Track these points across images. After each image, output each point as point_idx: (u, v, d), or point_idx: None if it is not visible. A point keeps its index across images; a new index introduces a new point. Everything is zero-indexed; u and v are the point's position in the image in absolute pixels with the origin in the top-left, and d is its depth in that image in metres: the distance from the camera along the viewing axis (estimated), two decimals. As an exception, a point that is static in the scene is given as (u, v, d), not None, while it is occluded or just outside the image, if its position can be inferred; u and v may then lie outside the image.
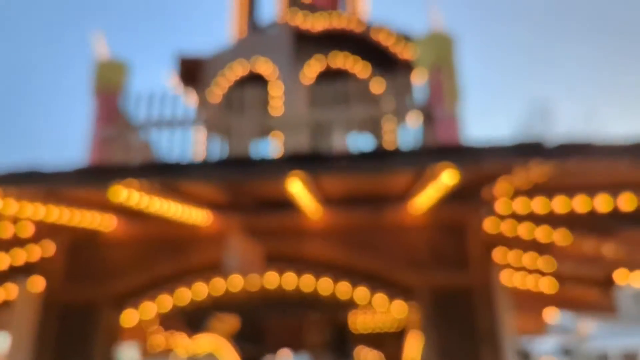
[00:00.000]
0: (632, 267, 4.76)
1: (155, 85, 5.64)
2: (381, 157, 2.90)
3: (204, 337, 6.75)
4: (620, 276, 4.94)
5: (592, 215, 3.68)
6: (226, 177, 3.12)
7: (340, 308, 4.53)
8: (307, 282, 4.21)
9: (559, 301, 5.82)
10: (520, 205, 3.75)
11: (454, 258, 4.09)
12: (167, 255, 4.36)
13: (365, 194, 4.04)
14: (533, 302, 5.83)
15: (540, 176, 3.26)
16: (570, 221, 3.90)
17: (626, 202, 3.49)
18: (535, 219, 3.95)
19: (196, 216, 4.18)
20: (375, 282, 4.14)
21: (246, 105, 5.34)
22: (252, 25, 7.93)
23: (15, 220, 3.91)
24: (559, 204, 3.62)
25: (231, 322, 6.70)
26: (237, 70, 6.65)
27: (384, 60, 6.67)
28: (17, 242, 4.27)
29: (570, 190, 3.56)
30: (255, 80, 6.58)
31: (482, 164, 2.84)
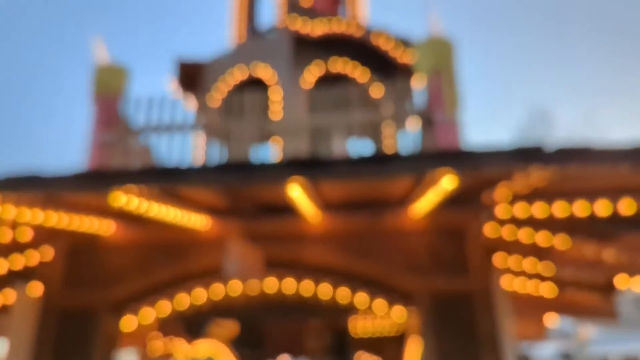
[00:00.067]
0: (633, 272, 4.76)
1: (155, 90, 5.64)
2: (381, 162, 2.90)
3: (203, 343, 6.73)
4: (621, 281, 4.93)
5: (593, 220, 3.67)
6: (225, 182, 3.11)
7: (340, 313, 4.51)
8: (307, 288, 4.19)
9: (559, 306, 5.81)
10: (520, 210, 3.74)
11: (454, 263, 4.08)
12: (166, 260, 4.35)
13: (364, 198, 4.03)
14: (533, 308, 5.82)
15: (540, 181, 3.26)
16: (570, 226, 3.89)
17: (626, 207, 3.48)
18: (535, 223, 3.94)
19: (195, 221, 4.17)
20: (375, 287, 4.12)
21: (245, 110, 5.35)
22: (252, 30, 7.95)
23: (13, 225, 3.90)
24: (559, 209, 3.62)
25: (230, 327, 6.68)
26: (237, 75, 6.66)
27: (383, 65, 6.68)
28: (15, 247, 4.26)
29: (570, 195, 3.56)
30: (255, 84, 6.59)
31: (482, 169, 2.83)
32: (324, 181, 3.24)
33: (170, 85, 6.86)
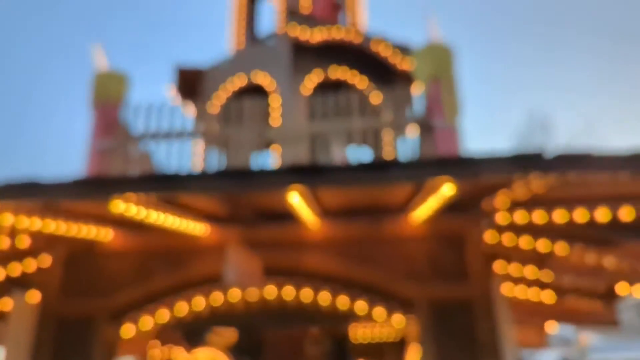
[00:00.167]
0: (633, 279, 4.74)
1: (155, 98, 5.65)
2: (380, 169, 2.89)
3: (202, 351, 6.70)
4: (621, 288, 4.91)
5: (593, 227, 3.66)
6: (225, 189, 3.10)
7: (339, 321, 4.49)
8: (306, 295, 4.17)
9: (560, 314, 5.78)
10: (520, 217, 3.73)
11: (454, 270, 4.06)
12: (165, 267, 4.33)
13: (364, 205, 4.02)
14: (534, 315, 5.79)
15: (540, 188, 3.25)
16: (570, 233, 3.88)
17: (626, 214, 3.47)
18: (536, 231, 3.93)
19: (195, 228, 4.15)
20: (375, 294, 4.10)
21: (245, 117, 5.34)
22: (251, 36, 7.97)
23: (11, 233, 3.88)
24: (559, 216, 3.61)
25: (229, 335, 6.65)
26: (236, 82, 6.67)
27: (383, 72, 6.69)
28: (12, 254, 4.24)
29: (570, 203, 3.55)
30: (255, 91, 6.60)
31: (481, 176, 2.83)
32: (324, 188, 3.23)
33: (170, 92, 6.86)
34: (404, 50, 6.45)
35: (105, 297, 4.26)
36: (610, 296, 5.16)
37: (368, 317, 4.13)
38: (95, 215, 4.00)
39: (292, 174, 2.92)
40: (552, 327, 6.53)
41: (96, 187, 3.05)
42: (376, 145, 5.40)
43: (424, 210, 3.80)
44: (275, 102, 6.23)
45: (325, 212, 4.01)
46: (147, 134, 5.27)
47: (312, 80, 6.50)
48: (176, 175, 3.02)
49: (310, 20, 6.59)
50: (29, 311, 4.27)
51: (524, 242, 4.01)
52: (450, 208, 3.75)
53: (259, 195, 3.55)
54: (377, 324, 5.39)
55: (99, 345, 4.13)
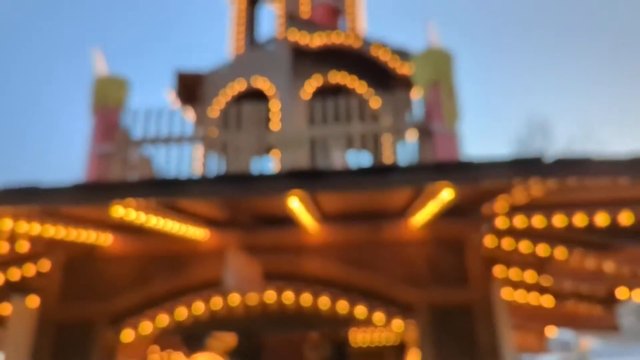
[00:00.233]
0: (633, 284, 4.73)
1: (156, 103, 5.66)
2: (380, 174, 2.89)
3: (201, 356, 6.67)
4: (622, 293, 4.91)
5: (592, 232, 3.66)
6: (224, 194, 3.10)
7: (339, 326, 4.48)
8: (306, 301, 4.16)
9: (560, 318, 5.77)
10: (519, 222, 3.73)
11: (454, 274, 4.06)
12: (164, 272, 4.32)
13: (363, 210, 4.02)
14: (534, 320, 5.78)
15: (540, 192, 3.25)
16: (570, 238, 3.88)
17: (626, 219, 3.47)
18: (535, 235, 3.93)
19: (194, 233, 4.15)
20: (374, 299, 4.10)
21: (244, 121, 5.35)
22: (251, 41, 7.98)
23: (10, 238, 3.88)
24: (559, 221, 3.61)
25: (228, 340, 6.63)
26: (236, 86, 6.68)
27: (382, 77, 6.70)
28: (12, 259, 4.23)
29: (569, 207, 3.55)
30: (255, 95, 6.60)
31: (481, 181, 2.83)
32: (323, 193, 3.23)
33: (170, 97, 6.87)
34: (403, 55, 6.46)
35: (104, 301, 4.26)
36: (610, 301, 5.16)
37: (368, 322, 4.13)
38: (94, 220, 4.00)
39: (292, 178, 2.92)
40: (552, 332, 6.53)
41: (96, 192, 3.05)
42: (376, 149, 5.40)
43: (423, 215, 3.80)
44: (275, 106, 6.24)
45: (324, 217, 4.01)
46: (147, 139, 5.28)
47: (312, 85, 6.51)
48: (176, 180, 3.02)
49: (310, 25, 6.61)
50: (28, 316, 4.27)
51: (524, 246, 4.01)
52: (450, 212, 3.75)
53: (259, 200, 3.55)
54: (377, 328, 5.38)
55: (98, 350, 4.12)
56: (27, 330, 4.21)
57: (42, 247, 4.22)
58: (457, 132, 4.79)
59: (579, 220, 3.55)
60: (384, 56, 6.49)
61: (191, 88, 6.96)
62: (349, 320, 4.16)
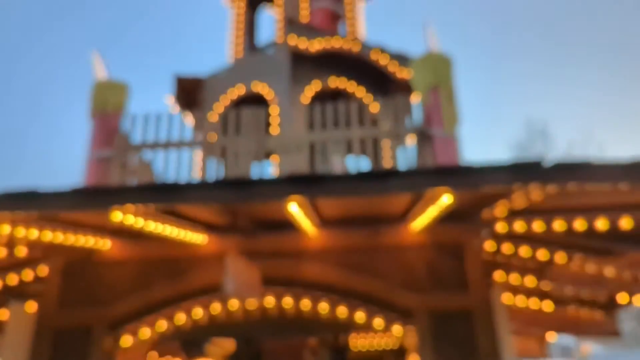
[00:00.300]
0: (634, 288, 4.72)
1: (156, 107, 5.65)
2: (379, 179, 2.89)
3: (200, 361, 6.64)
4: (623, 298, 4.89)
5: (592, 237, 3.65)
6: (224, 199, 3.10)
7: (338, 331, 4.47)
8: (305, 306, 4.15)
9: (561, 324, 5.76)
10: (519, 227, 3.73)
11: (454, 279, 4.05)
12: (164, 277, 4.31)
13: (363, 215, 4.01)
14: (535, 325, 5.76)
15: (540, 197, 3.24)
16: (570, 243, 3.87)
17: (626, 224, 3.47)
18: (535, 240, 3.92)
19: (193, 238, 4.14)
20: (374, 304, 4.08)
21: (243, 126, 5.34)
22: (251, 46, 7.99)
23: (8, 243, 3.87)
24: (559, 226, 3.60)
25: (227, 345, 6.60)
26: (235, 91, 6.68)
27: (381, 81, 6.71)
28: (10, 264, 4.22)
29: (569, 212, 3.54)
30: (254, 100, 6.61)
31: (480, 186, 2.82)
32: (323, 198, 3.22)
33: (169, 102, 6.87)
34: (402, 59, 6.47)
35: (103, 306, 4.24)
36: (611, 306, 5.14)
37: (367, 327, 4.11)
38: (93, 225, 3.99)
39: (291, 183, 2.92)
40: (553, 337, 6.51)
41: (95, 197, 3.04)
42: (375, 154, 5.39)
43: (423, 220, 3.79)
44: (274, 111, 6.24)
45: (324, 222, 4.00)
46: (146, 144, 5.27)
47: (311, 89, 6.51)
48: (175, 185, 3.01)
49: (309, 30, 6.62)
50: (26, 321, 4.25)
51: (524, 251, 4.00)
52: (450, 217, 3.75)
53: (258, 205, 3.54)
54: (377, 333, 5.36)
55: (97, 355, 4.10)
56: (25, 335, 4.19)
57: (40, 252, 4.21)
58: (456, 137, 4.78)
59: (579, 225, 3.55)
60: (383, 61, 6.50)
61: (190, 93, 6.97)
62: (349, 326, 4.15)
